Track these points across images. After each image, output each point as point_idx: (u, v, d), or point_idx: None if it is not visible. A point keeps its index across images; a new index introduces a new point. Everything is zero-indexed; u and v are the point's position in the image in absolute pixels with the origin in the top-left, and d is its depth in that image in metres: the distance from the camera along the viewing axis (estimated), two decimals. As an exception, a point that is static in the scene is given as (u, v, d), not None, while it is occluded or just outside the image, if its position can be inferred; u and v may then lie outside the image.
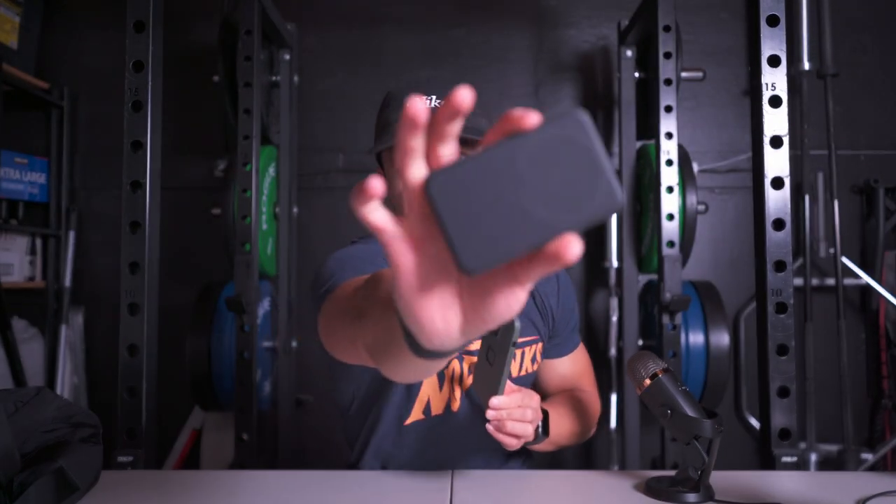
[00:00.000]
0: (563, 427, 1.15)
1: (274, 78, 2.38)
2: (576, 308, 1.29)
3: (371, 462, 1.17)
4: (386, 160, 1.12)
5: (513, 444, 1.00)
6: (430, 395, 1.12)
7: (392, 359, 0.57)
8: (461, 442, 1.15)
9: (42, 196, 2.57)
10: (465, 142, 1.01)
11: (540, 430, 1.09)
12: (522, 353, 1.18)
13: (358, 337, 0.66)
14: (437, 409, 1.13)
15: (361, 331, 0.65)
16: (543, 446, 1.11)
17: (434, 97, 1.07)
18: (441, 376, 1.13)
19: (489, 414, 0.96)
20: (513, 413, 0.98)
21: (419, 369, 0.57)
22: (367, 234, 1.18)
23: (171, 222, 1.99)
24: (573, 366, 1.27)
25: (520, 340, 1.19)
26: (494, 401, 0.95)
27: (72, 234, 2.57)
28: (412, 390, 1.12)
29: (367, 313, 0.64)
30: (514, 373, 1.18)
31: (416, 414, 1.12)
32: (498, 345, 0.93)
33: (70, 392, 2.50)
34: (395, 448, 1.15)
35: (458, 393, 1.13)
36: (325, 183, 2.57)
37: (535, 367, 1.22)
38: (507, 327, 0.91)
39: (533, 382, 1.25)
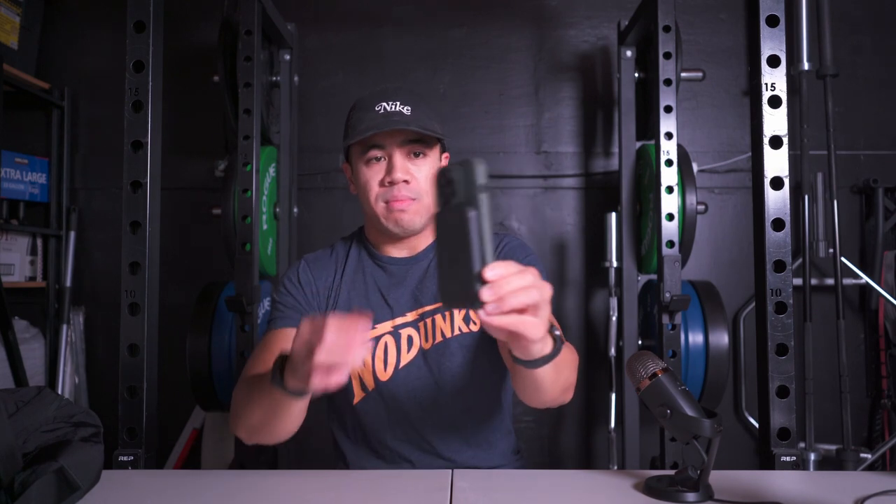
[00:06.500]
0: (565, 351, 0.94)
1: (274, 78, 2.38)
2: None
3: (357, 454, 1.23)
4: (351, 154, 1.22)
5: (526, 324, 0.71)
6: (360, 371, 1.19)
7: (276, 409, 0.97)
8: (406, 404, 1.19)
9: (42, 196, 2.57)
10: (419, 140, 1.15)
11: (556, 330, 0.86)
12: (452, 314, 1.18)
13: (252, 414, 1.02)
14: (369, 382, 1.19)
15: (253, 411, 1.02)
16: (544, 373, 0.88)
17: (398, 102, 1.14)
18: None
19: (484, 294, 0.67)
20: (511, 280, 0.68)
21: (289, 404, 0.96)
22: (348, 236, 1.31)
23: (171, 222, 1.99)
24: None
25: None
26: (487, 272, 0.67)
27: (72, 234, 2.58)
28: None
29: (254, 398, 1.02)
30: (448, 333, 1.16)
31: (357, 393, 1.20)
32: (459, 209, 0.66)
33: (71, 392, 2.50)
34: (361, 432, 1.22)
35: (379, 364, 1.18)
36: (325, 183, 2.58)
37: (474, 328, 1.16)
38: (467, 170, 0.66)
39: (493, 362, 1.16)
